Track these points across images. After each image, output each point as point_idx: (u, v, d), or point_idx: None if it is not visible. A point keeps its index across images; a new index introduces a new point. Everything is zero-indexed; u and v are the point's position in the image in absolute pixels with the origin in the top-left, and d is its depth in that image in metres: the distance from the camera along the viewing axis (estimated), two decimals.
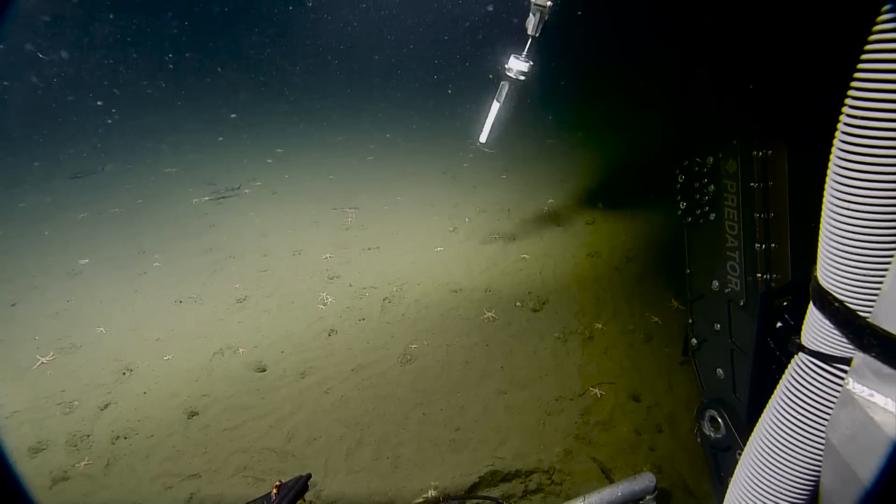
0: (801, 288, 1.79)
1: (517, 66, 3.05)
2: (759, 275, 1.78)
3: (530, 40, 2.92)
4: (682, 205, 1.99)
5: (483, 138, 3.47)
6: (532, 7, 2.75)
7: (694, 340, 2.17)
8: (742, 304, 1.86)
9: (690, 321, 2.17)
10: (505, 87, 3.20)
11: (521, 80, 3.12)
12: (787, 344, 1.16)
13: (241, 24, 13.89)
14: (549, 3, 2.70)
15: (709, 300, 2.03)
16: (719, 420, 2.05)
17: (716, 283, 1.96)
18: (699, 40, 1.83)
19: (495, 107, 3.31)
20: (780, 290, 1.81)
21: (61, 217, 5.65)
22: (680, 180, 1.97)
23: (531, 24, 2.81)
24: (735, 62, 1.74)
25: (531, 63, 3.04)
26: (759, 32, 1.69)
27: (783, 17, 1.63)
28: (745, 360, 1.91)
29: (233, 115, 9.32)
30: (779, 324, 1.83)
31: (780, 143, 1.71)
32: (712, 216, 1.91)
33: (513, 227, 5.13)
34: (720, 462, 2.12)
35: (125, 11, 12.78)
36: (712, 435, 2.09)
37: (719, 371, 2.05)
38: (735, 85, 1.75)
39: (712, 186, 1.87)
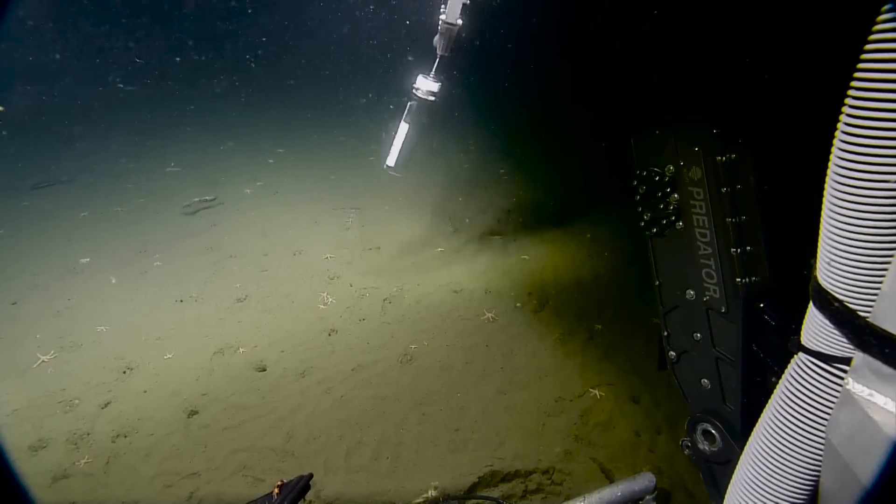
0: (777, 288, 1.80)
1: (425, 85, 2.92)
2: (738, 279, 1.76)
3: (438, 59, 2.81)
4: (646, 216, 1.93)
5: (391, 161, 3.23)
6: (440, 26, 2.63)
7: (672, 353, 2.11)
8: (724, 310, 1.83)
9: (666, 333, 2.11)
10: (413, 108, 3.04)
11: (430, 101, 2.98)
12: (787, 343, 1.16)
13: (244, 26, 13.91)
14: (458, 23, 2.58)
15: (685, 310, 1.99)
16: (714, 432, 1.99)
17: (691, 293, 1.92)
18: (644, 50, 1.81)
19: (403, 128, 3.12)
20: (760, 292, 1.80)
21: (63, 216, 5.66)
22: (640, 191, 1.92)
23: (440, 43, 2.71)
24: (686, 69, 1.72)
25: (440, 83, 2.92)
26: (706, 38, 1.69)
27: (726, 24, 1.65)
28: (732, 367, 1.88)
29: (234, 114, 9.33)
30: (762, 325, 1.81)
31: (743, 146, 1.71)
32: (679, 225, 1.87)
33: (514, 228, 5.14)
34: (717, 476, 2.06)
35: (129, 11, 12.81)
36: (707, 448, 2.03)
37: (704, 381, 2.00)
38: (690, 92, 1.73)
39: (676, 195, 1.84)
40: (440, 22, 2.60)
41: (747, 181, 1.74)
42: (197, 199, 5.87)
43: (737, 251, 1.75)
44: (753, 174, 1.73)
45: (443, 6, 2.57)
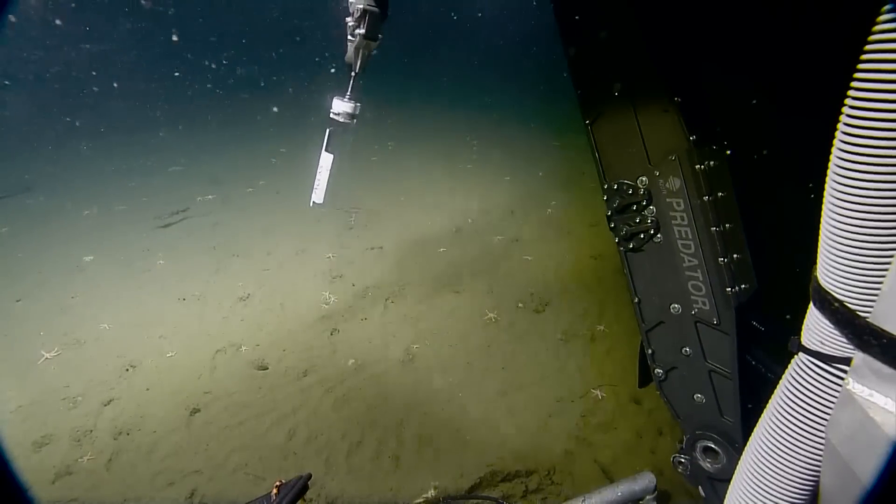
0: (758, 294, 1.75)
1: (343, 108, 2.58)
2: (728, 289, 1.69)
3: (353, 78, 2.50)
4: (622, 232, 1.82)
5: (318, 198, 2.81)
6: (357, 41, 2.29)
7: (658, 371, 2.01)
8: (715, 322, 1.75)
9: (650, 352, 2.01)
10: (333, 135, 2.70)
11: (351, 124, 2.65)
12: (786, 345, 1.15)
13: (246, 25, 13.96)
14: (380, 37, 2.31)
15: (671, 325, 1.89)
16: (717, 448, 1.90)
17: (676, 307, 1.83)
18: (603, 58, 1.67)
19: (327, 159, 2.76)
20: (749, 300, 1.74)
21: (67, 214, 5.69)
22: (613, 206, 1.82)
23: (356, 61, 2.41)
24: (654, 75, 1.61)
25: (358, 103, 2.59)
26: (677, 40, 1.59)
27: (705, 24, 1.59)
28: (728, 378, 1.81)
29: (238, 113, 9.36)
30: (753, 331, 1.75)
31: (721, 153, 1.65)
32: (658, 238, 1.77)
33: (516, 229, 5.14)
34: (720, 494, 1.95)
35: (135, 9, 12.88)
36: (710, 466, 1.93)
37: (698, 397, 1.92)
38: (660, 99, 1.62)
39: (652, 207, 1.74)
40: (356, 36, 2.29)
41: (727, 188, 1.68)
42: (168, 213, 5.70)
43: (724, 260, 1.68)
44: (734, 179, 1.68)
45: (350, 19, 2.28)
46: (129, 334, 3.70)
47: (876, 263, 0.90)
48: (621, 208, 1.80)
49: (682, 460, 2.02)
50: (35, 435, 2.86)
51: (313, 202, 2.82)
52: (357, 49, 2.35)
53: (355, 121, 2.65)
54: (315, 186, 2.78)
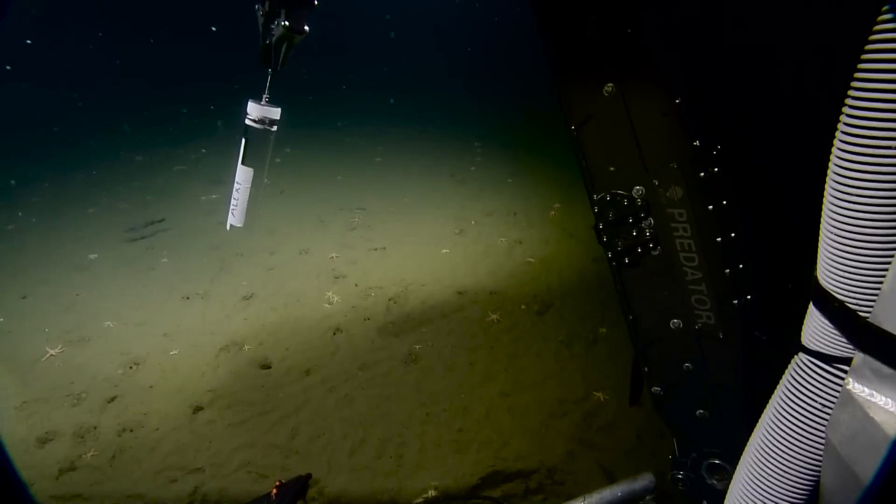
0: (764, 303, 1.67)
1: (264, 113, 2.16)
2: (735, 301, 1.62)
3: (271, 77, 2.13)
4: (619, 246, 1.70)
5: (237, 220, 2.32)
6: (281, 33, 1.93)
7: (656, 389, 1.91)
8: (721, 336, 1.67)
9: (646, 370, 1.91)
10: (251, 145, 2.23)
11: (271, 131, 2.19)
12: (788, 349, 1.15)
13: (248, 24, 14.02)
14: (306, 30, 1.96)
15: (670, 342, 1.79)
16: (725, 464, 1.82)
17: (676, 322, 1.74)
18: (593, 54, 1.52)
19: (244, 173, 2.26)
20: (753, 310, 1.67)
21: (71, 212, 5.73)
22: (606, 218, 1.69)
23: (277, 56, 2.04)
24: (653, 74, 1.48)
25: (279, 107, 2.18)
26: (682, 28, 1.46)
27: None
28: (733, 393, 1.75)
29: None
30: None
31: (723, 158, 1.57)
32: (656, 252, 1.68)
33: (519, 231, 5.14)
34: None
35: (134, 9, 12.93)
36: (718, 483, 1.85)
37: (701, 412, 1.84)
38: (658, 101, 1.50)
39: (651, 219, 1.64)
40: (276, 28, 1.94)
41: (732, 194, 1.59)
42: (141, 225, 5.46)
43: (730, 271, 1.60)
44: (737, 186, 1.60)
45: (260, 6, 1.92)
46: (133, 332, 3.73)
47: (876, 263, 0.91)
48: (615, 221, 1.69)
49: (681, 476, 1.94)
50: (39, 431, 2.88)
51: (230, 225, 2.33)
52: (279, 43, 1.99)
53: (275, 128, 2.19)
54: (232, 207, 2.26)
